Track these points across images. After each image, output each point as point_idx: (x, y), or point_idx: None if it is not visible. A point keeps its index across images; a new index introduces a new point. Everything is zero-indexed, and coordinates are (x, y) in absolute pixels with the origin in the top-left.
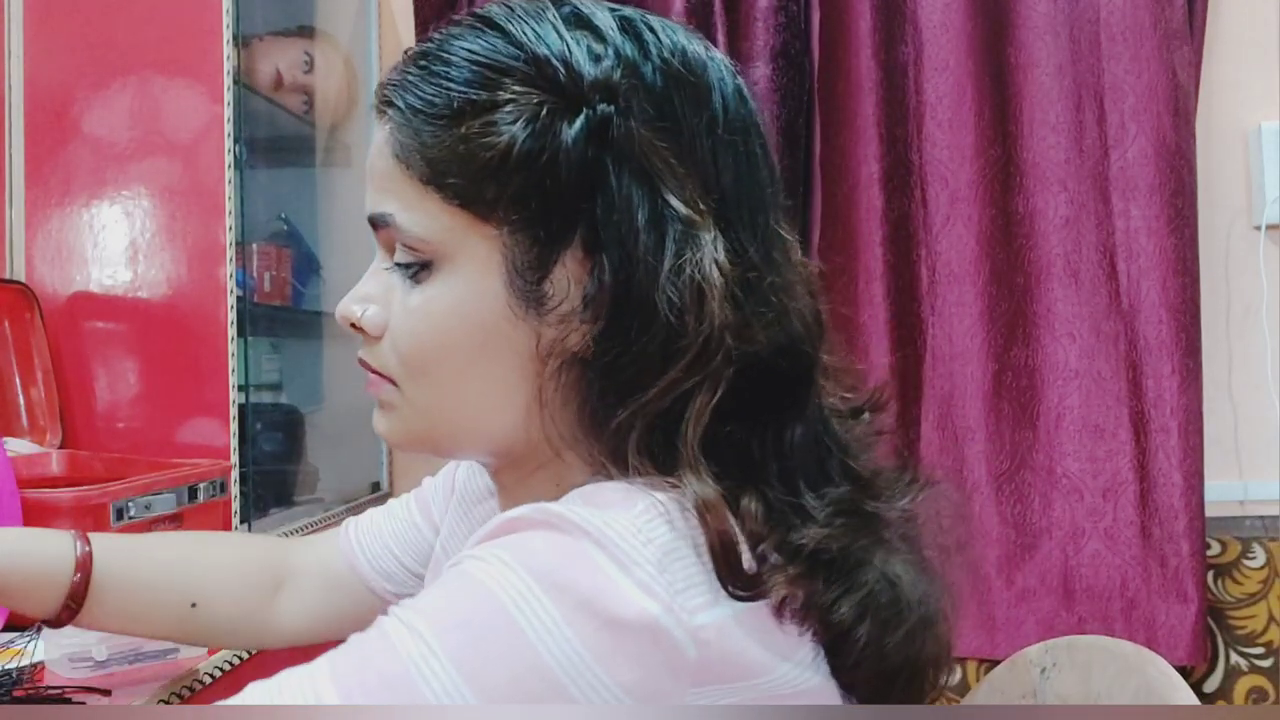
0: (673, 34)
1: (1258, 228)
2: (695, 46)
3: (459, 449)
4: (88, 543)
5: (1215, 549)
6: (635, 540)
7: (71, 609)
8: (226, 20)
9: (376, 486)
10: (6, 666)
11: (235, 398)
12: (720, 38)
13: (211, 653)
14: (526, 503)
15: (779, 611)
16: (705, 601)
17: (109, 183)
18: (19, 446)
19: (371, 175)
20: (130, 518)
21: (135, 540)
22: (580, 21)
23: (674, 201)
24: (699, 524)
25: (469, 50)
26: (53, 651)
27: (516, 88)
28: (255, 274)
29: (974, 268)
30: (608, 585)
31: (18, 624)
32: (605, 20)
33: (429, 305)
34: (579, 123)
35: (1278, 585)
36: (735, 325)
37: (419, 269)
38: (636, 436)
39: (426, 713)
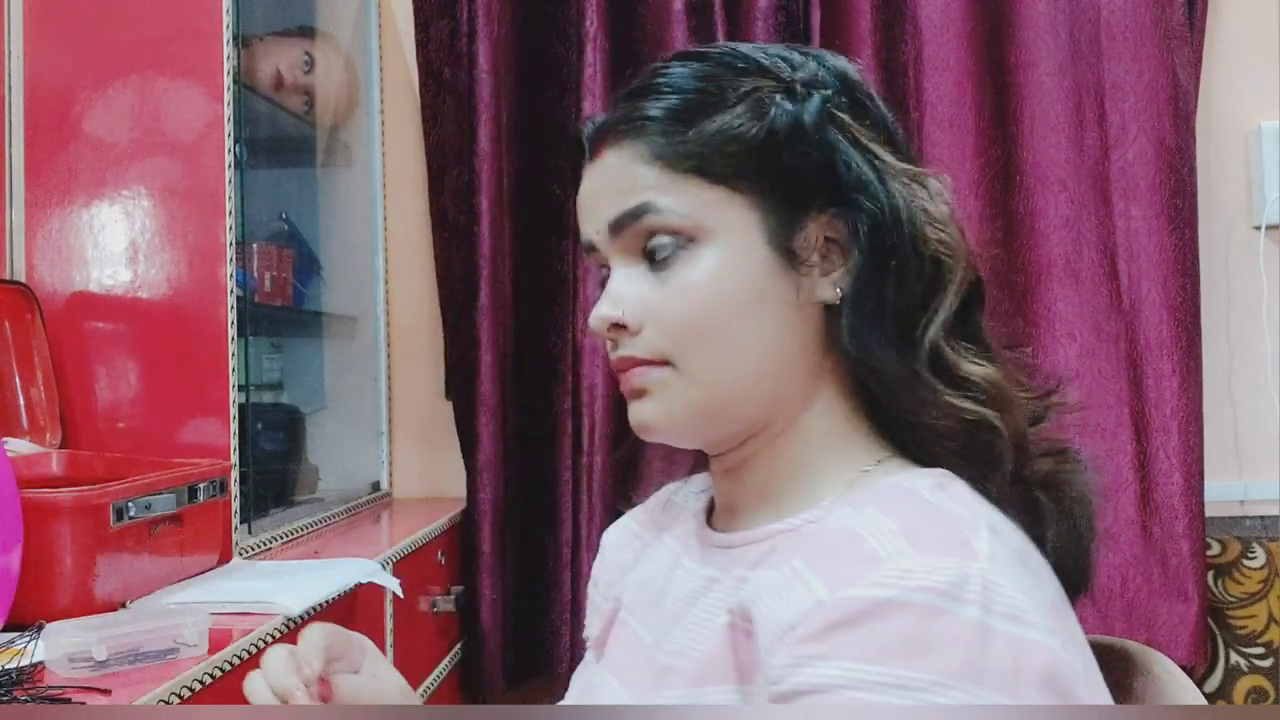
0: (823, 55)
1: (1258, 228)
2: (844, 63)
3: (731, 411)
4: None
5: (1215, 549)
6: (1008, 589)
7: None
8: (226, 20)
9: (376, 486)
10: (6, 666)
11: (235, 398)
12: (720, 37)
13: (211, 652)
14: (773, 474)
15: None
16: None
17: (109, 183)
18: (19, 446)
19: (603, 196)
20: (130, 518)
21: None
22: (761, 51)
23: (890, 160)
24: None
25: (686, 70)
26: (53, 651)
27: (750, 83)
28: (255, 274)
29: None
30: (1025, 647)
31: (18, 624)
32: (777, 49)
33: (702, 275)
34: (813, 105)
35: (1278, 585)
36: (963, 248)
37: (675, 250)
38: (925, 352)
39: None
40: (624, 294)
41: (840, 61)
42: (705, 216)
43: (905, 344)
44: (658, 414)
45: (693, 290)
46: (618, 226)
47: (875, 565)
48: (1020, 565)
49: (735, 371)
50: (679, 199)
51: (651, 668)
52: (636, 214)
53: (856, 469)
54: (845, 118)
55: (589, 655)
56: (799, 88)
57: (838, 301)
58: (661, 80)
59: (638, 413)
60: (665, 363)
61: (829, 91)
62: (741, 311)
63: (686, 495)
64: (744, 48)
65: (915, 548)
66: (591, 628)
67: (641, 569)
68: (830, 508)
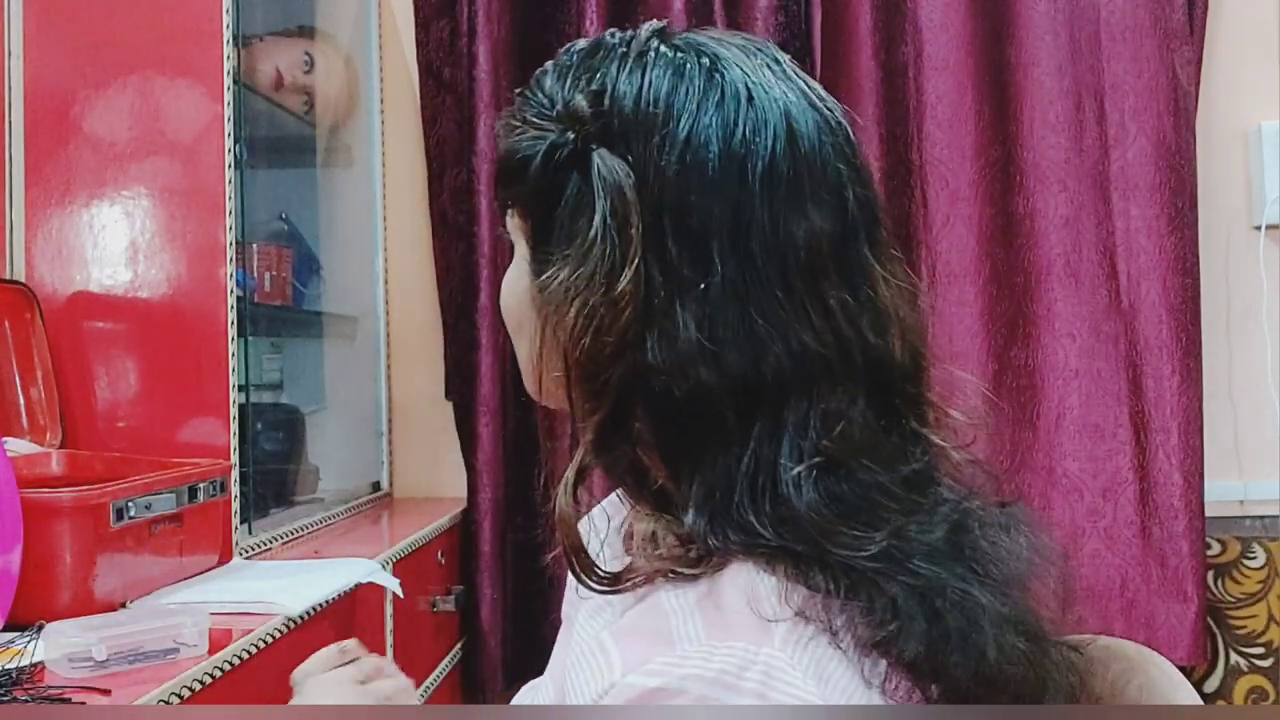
0: (612, 81)
1: (1258, 228)
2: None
3: (548, 398)
4: None
5: (1215, 549)
6: (796, 677)
7: None
8: (226, 20)
9: (377, 486)
10: (6, 666)
11: (235, 398)
12: None
13: (212, 652)
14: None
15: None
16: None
17: (109, 183)
18: (19, 446)
19: None
20: (130, 518)
21: None
22: (586, 59)
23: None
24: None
25: (536, 79)
26: (53, 651)
27: (535, 105)
28: (255, 274)
29: (974, 268)
30: None
31: (18, 624)
32: (584, 59)
33: (504, 281)
34: (544, 143)
35: (1278, 585)
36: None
37: None
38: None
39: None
40: None
41: (628, 88)
42: (511, 229)
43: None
44: None
45: (512, 269)
46: None
47: (663, 649)
48: (834, 648)
49: (530, 376)
50: (510, 210)
51: None
52: None
53: None
54: (603, 165)
55: None
56: (557, 121)
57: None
58: (528, 90)
59: None
60: None
61: (570, 135)
62: (516, 327)
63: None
64: (568, 51)
65: (707, 630)
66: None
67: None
68: None
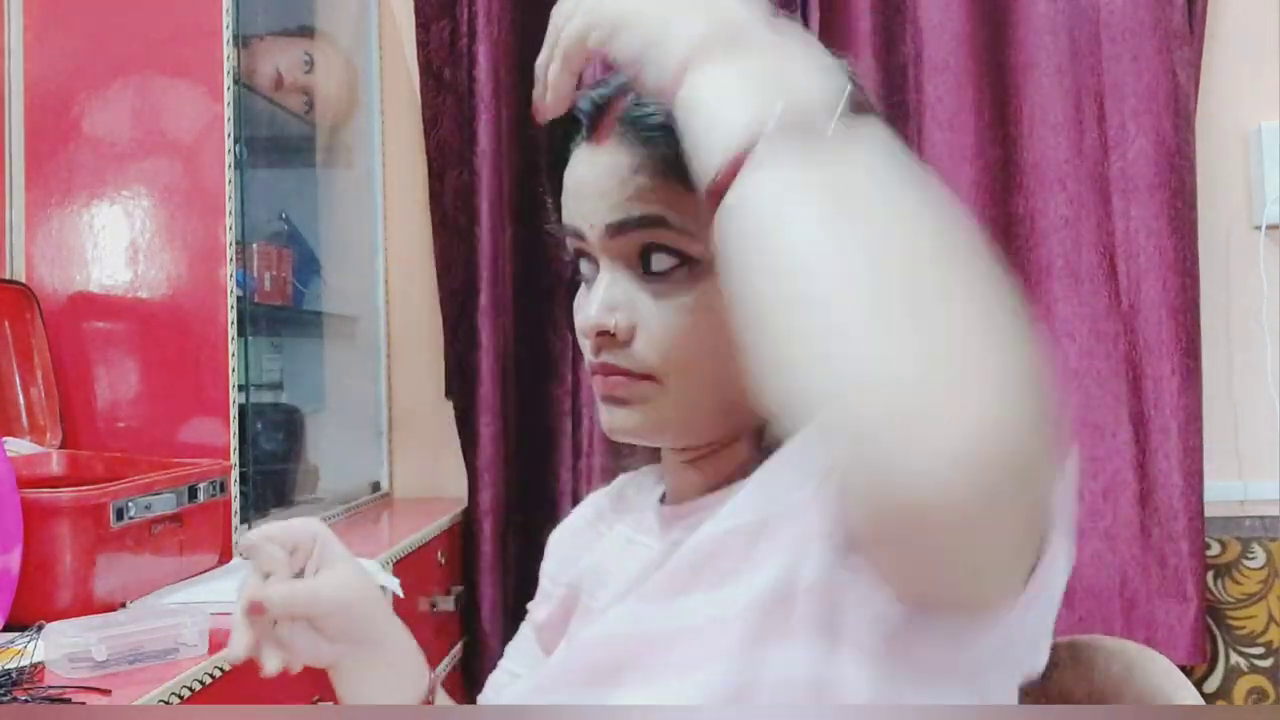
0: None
1: (1258, 228)
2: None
3: (707, 428)
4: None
5: (1215, 549)
6: None
7: None
8: (226, 20)
9: (377, 486)
10: (6, 666)
11: (235, 398)
12: None
13: (211, 652)
14: (734, 464)
15: None
16: None
17: (109, 183)
18: (19, 446)
19: (603, 191)
20: (130, 518)
21: None
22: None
23: None
24: None
25: None
26: (53, 651)
27: None
28: (255, 274)
29: None
30: None
31: (18, 624)
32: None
33: (700, 300)
34: None
35: (1278, 585)
36: None
37: (674, 268)
38: None
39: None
40: (616, 302)
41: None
42: (712, 240)
43: None
44: (634, 424)
45: (688, 314)
46: (618, 230)
47: None
48: None
49: (716, 396)
50: (689, 218)
51: None
52: (644, 224)
53: None
54: None
55: (528, 634)
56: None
57: None
58: None
59: (614, 419)
60: (649, 377)
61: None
62: (728, 352)
63: (640, 487)
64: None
65: None
66: (537, 611)
67: (595, 555)
68: None
